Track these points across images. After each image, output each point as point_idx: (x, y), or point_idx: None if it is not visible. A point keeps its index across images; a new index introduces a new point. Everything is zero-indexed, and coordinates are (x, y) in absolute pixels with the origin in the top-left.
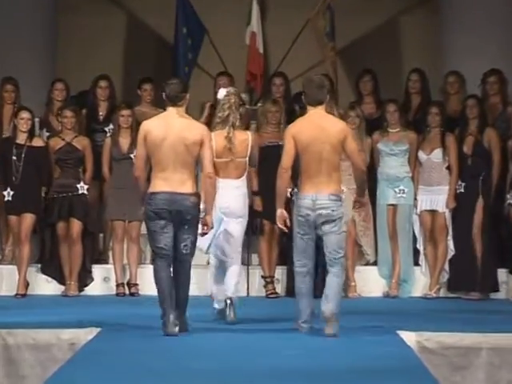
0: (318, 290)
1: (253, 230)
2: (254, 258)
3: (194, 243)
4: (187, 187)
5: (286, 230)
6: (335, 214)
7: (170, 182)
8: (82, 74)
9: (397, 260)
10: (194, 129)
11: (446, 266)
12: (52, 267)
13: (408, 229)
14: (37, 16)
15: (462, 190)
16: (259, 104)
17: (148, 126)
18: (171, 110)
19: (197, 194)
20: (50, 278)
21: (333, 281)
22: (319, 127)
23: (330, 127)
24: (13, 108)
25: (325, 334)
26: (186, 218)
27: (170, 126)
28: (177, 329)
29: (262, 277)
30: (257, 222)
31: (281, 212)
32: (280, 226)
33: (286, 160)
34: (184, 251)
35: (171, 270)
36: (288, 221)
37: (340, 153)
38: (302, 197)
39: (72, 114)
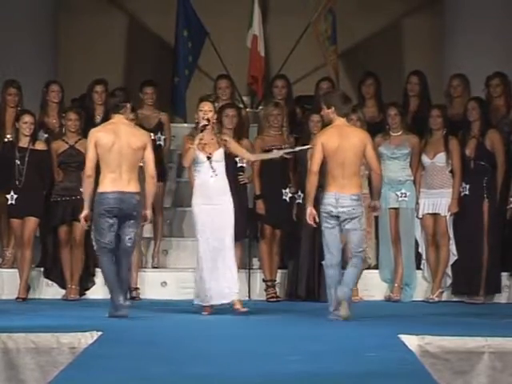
0: (314, 294)
1: (254, 234)
2: (255, 261)
3: (135, 236)
4: (133, 187)
5: (315, 225)
6: (355, 211)
7: (119, 183)
8: (83, 76)
9: (399, 264)
10: (138, 135)
11: (449, 270)
12: (54, 271)
13: (410, 232)
14: (38, 18)
15: (467, 193)
16: (260, 107)
17: (98, 133)
18: (117, 118)
19: (140, 193)
20: (50, 282)
21: (351, 270)
22: (344, 136)
23: (353, 136)
24: (15, 111)
25: (340, 316)
26: (132, 214)
27: (117, 133)
28: (126, 311)
29: (264, 280)
30: (258, 225)
31: (310, 210)
32: (309, 222)
33: (314, 164)
34: (129, 244)
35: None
36: (316, 217)
37: (361, 159)
38: (326, 196)
39: (76, 117)
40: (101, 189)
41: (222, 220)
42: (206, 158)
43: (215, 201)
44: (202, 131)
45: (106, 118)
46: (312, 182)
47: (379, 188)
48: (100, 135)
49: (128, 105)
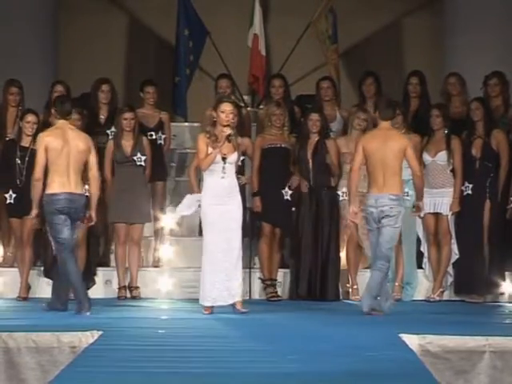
0: (316, 293)
1: (253, 232)
2: (256, 260)
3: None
4: (80, 189)
5: (357, 222)
6: (393, 210)
7: (68, 185)
8: (84, 75)
9: (400, 263)
10: (83, 138)
11: (450, 269)
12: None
13: (411, 231)
14: (38, 18)
15: (470, 192)
16: (261, 106)
17: (47, 137)
18: (63, 123)
19: (84, 195)
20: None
21: (375, 274)
22: (384, 139)
23: (394, 139)
24: (17, 110)
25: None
26: (79, 214)
27: (65, 137)
28: (88, 307)
29: (261, 280)
30: (256, 224)
31: (352, 209)
32: (351, 220)
33: (355, 163)
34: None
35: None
36: (360, 216)
37: (401, 161)
38: (368, 197)
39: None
40: (50, 190)
41: (231, 221)
42: (221, 159)
43: (225, 201)
44: (229, 140)
45: (111, 118)
46: (353, 180)
47: (421, 189)
48: (49, 139)
49: (73, 110)
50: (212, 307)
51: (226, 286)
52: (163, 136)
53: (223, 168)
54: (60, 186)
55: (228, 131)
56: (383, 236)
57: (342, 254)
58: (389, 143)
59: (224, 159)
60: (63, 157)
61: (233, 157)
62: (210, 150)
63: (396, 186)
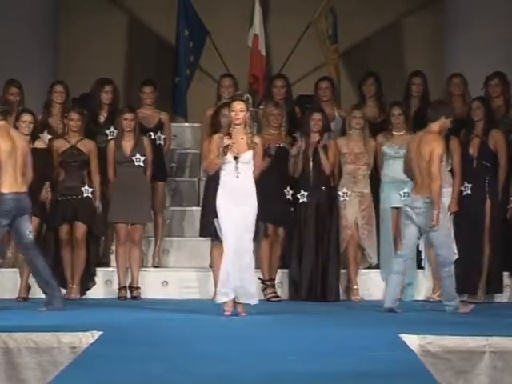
0: (316, 294)
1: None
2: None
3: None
4: (25, 188)
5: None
6: (427, 213)
7: (15, 185)
8: (83, 76)
9: None
10: (23, 138)
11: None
12: (55, 271)
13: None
14: (38, 17)
15: (469, 192)
16: (261, 106)
17: None
18: (4, 124)
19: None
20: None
21: (443, 282)
22: (422, 141)
23: (426, 143)
24: (17, 111)
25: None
26: (27, 211)
27: (11, 137)
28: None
29: (261, 280)
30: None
31: (435, 213)
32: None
33: (404, 166)
34: (30, 236)
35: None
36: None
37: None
38: (409, 195)
39: (78, 117)
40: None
41: (243, 222)
42: (232, 158)
43: (239, 202)
44: (225, 152)
45: (110, 118)
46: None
47: (435, 197)
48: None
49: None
50: (232, 306)
51: (242, 286)
52: (163, 136)
53: (236, 168)
54: (9, 186)
55: (227, 142)
56: (433, 244)
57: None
58: (422, 146)
59: (236, 158)
60: (12, 157)
61: (246, 156)
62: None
63: (430, 188)
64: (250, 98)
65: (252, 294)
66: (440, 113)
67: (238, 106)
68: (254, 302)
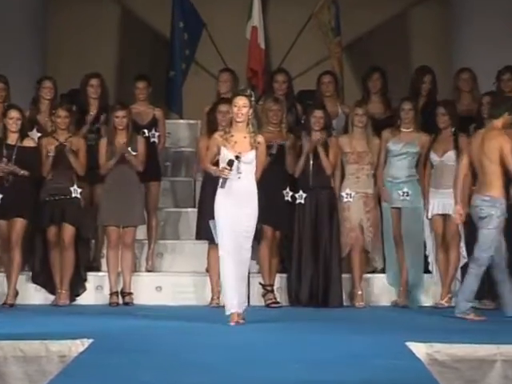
0: (318, 299)
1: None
2: (254, 264)
3: None
4: None
5: (459, 222)
6: (483, 212)
7: None
8: (74, 71)
9: (403, 267)
10: None
11: (459, 274)
12: (43, 276)
13: (415, 233)
14: (25, 9)
15: None
16: (260, 102)
17: None
18: None
19: None
20: (39, 287)
21: (467, 277)
22: (483, 138)
23: (490, 140)
24: (2, 107)
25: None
26: None
27: None
28: None
29: (262, 285)
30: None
31: (457, 208)
32: (456, 220)
33: (462, 164)
34: None
35: None
36: (462, 216)
37: (497, 161)
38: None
39: (66, 114)
40: None
41: (243, 226)
42: (234, 158)
43: (239, 204)
44: (229, 165)
45: (99, 114)
46: (459, 178)
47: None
48: None
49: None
50: (239, 316)
51: (239, 292)
52: (157, 134)
53: (238, 168)
54: None
55: (232, 156)
56: (477, 239)
57: (346, 258)
58: (486, 143)
59: (238, 158)
60: None
61: (249, 156)
62: (224, 150)
63: (490, 187)
64: (253, 93)
65: (244, 300)
66: (502, 109)
67: (241, 101)
68: (244, 307)
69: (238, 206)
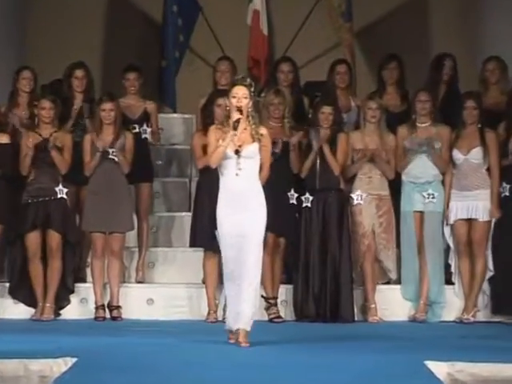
0: (325, 314)
1: None
2: None
3: None
4: None
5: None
6: None
7: None
8: (54, 59)
9: (425, 277)
10: None
11: (485, 286)
12: (22, 287)
13: (438, 240)
14: None
15: (507, 194)
16: (263, 94)
17: None
18: None
19: None
20: (17, 301)
21: None
22: None
23: None
24: None
25: None
26: None
27: None
28: None
29: (264, 298)
30: None
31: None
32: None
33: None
34: None
35: None
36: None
37: None
38: None
39: (51, 106)
40: None
41: (247, 234)
42: (233, 153)
43: (242, 207)
44: (235, 128)
45: (86, 108)
46: None
47: None
48: None
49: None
50: (234, 334)
51: (236, 310)
52: (148, 129)
53: (237, 164)
54: None
55: (237, 116)
56: None
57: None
58: None
59: (237, 152)
60: None
61: (250, 150)
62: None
63: None
64: (253, 83)
65: (245, 320)
66: None
67: (241, 91)
68: (241, 326)
69: (239, 211)
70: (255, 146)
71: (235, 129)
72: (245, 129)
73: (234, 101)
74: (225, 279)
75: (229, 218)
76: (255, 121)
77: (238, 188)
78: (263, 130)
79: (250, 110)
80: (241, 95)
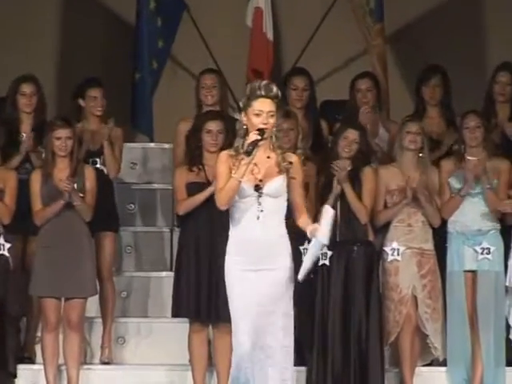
0: None
1: None
2: None
3: None
4: None
5: None
6: None
7: None
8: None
9: (478, 357)
10: None
11: None
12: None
13: (496, 308)
14: None
15: None
16: None
17: None
18: None
19: None
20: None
21: None
22: None
23: None
24: None
25: None
26: None
27: None
28: None
29: None
30: None
31: None
32: None
33: None
34: None
35: None
36: None
37: None
38: None
39: None
40: None
41: (270, 298)
42: (252, 189)
43: (262, 263)
44: (249, 152)
45: (36, 135)
46: None
47: None
48: None
49: None
50: None
51: None
52: None
53: (258, 204)
54: None
55: (254, 137)
56: None
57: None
58: None
59: (258, 189)
60: None
61: (274, 185)
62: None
63: None
64: (279, 94)
65: None
66: None
67: (267, 106)
68: None
69: (258, 266)
70: (281, 180)
71: (249, 154)
72: (268, 157)
73: (257, 121)
74: (236, 361)
75: (242, 274)
76: (280, 143)
77: (257, 236)
78: (293, 158)
79: (274, 130)
80: (268, 114)
